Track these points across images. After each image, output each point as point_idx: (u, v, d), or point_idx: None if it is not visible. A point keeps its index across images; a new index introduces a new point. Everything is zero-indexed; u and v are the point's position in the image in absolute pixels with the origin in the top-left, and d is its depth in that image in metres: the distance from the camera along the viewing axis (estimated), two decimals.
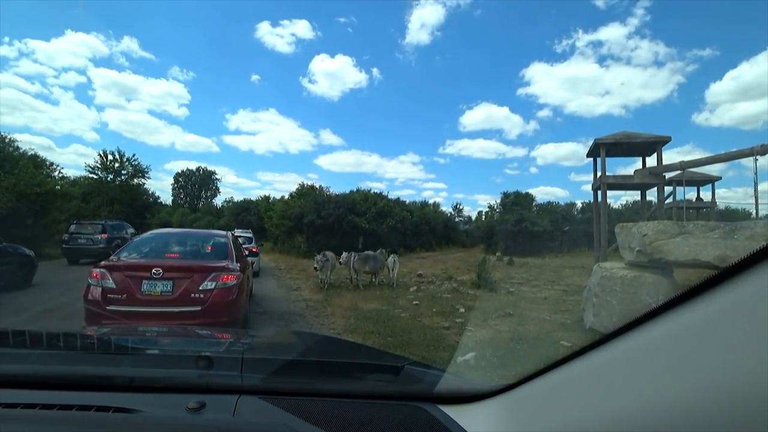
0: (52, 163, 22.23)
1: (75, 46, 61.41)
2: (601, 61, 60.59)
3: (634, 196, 20.19)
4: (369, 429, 0.90)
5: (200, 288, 4.57)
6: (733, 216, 26.81)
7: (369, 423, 0.92)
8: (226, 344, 1.77)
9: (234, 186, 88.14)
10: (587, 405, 0.69)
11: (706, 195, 20.36)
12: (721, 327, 0.50)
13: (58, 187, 19.38)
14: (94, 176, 30.94)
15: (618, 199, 56.46)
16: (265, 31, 67.66)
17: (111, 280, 4.51)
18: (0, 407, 0.90)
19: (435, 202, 40.87)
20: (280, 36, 71.19)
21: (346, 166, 68.36)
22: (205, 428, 0.89)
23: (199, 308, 4.49)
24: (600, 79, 61.52)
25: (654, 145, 12.62)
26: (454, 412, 0.97)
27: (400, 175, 71.91)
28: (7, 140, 20.43)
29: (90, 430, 0.87)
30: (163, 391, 1.00)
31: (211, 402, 0.93)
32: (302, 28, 68.37)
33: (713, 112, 59.12)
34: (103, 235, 14.97)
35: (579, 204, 33.30)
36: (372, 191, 28.57)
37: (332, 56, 72.30)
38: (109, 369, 1.14)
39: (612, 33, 59.14)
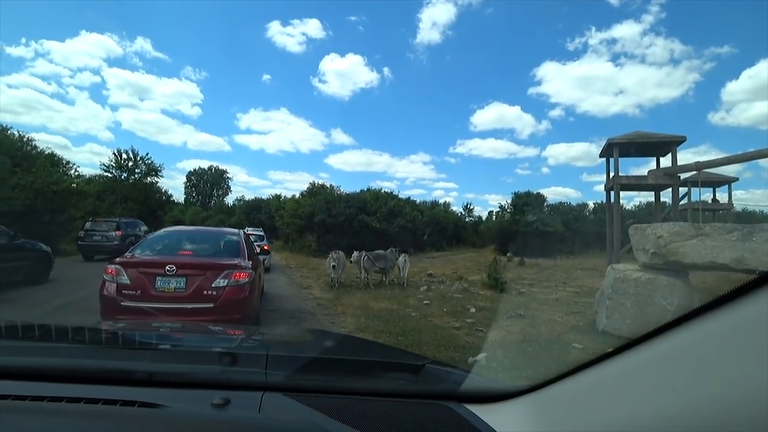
0: (68, 162, 22.64)
1: (89, 47, 62.56)
2: (615, 59, 59.65)
3: (648, 197, 19.80)
4: (395, 426, 0.90)
5: (213, 285, 4.62)
6: (750, 218, 26.28)
7: (395, 420, 0.92)
8: (247, 341, 1.78)
9: (245, 185, 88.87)
10: (615, 408, 0.69)
11: (722, 196, 19.99)
12: (747, 336, 0.50)
13: (74, 185, 19.67)
14: (109, 175, 31.49)
15: (631, 200, 55.52)
16: (275, 30, 67.98)
17: (126, 277, 4.59)
18: (28, 400, 0.91)
19: (446, 202, 40.91)
20: (290, 35, 71.49)
21: (357, 166, 68.65)
22: (231, 424, 0.89)
23: (211, 305, 4.54)
24: (613, 78, 60.66)
25: (668, 145, 12.41)
26: (480, 411, 0.96)
27: (410, 175, 71.93)
28: (25, 139, 20.87)
29: (116, 424, 0.88)
30: (187, 387, 1.01)
31: (235, 398, 0.94)
32: (313, 27, 68.55)
33: (729, 112, 57.98)
34: (117, 232, 15.23)
35: (591, 205, 32.88)
36: (382, 191, 28.44)
37: (343, 56, 72.68)
38: (134, 364, 1.15)
39: (626, 31, 58.27)
